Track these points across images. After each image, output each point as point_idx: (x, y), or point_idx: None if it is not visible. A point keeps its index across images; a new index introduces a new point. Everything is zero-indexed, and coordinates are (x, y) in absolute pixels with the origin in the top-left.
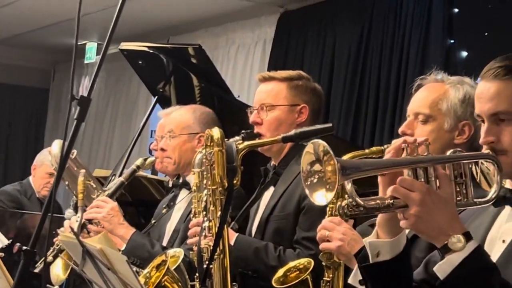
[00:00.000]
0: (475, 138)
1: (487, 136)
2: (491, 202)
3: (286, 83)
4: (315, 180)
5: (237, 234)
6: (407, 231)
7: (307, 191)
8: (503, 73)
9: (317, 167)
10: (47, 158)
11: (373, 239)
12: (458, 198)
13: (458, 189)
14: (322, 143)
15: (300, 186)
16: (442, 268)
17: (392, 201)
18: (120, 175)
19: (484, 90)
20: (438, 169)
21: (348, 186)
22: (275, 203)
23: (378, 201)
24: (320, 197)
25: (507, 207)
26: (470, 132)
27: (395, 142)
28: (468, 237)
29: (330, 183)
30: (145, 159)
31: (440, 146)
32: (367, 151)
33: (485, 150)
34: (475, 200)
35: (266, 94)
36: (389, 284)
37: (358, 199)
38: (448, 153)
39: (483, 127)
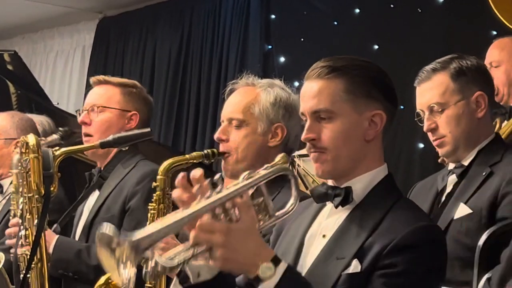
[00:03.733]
0: (289, 139)
1: (308, 133)
2: (291, 211)
3: (120, 89)
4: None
5: (57, 236)
6: None
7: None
8: (326, 72)
9: (116, 253)
10: None
11: (192, 263)
12: (259, 217)
13: (258, 210)
14: (105, 232)
15: (126, 189)
16: None
17: (196, 249)
18: None
19: (307, 89)
20: (235, 200)
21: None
22: (99, 206)
23: (182, 255)
24: (127, 274)
25: (329, 204)
26: (283, 134)
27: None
28: (276, 261)
29: (132, 261)
30: None
31: (255, 150)
32: (187, 156)
33: (308, 149)
34: (276, 214)
35: (99, 96)
36: None
37: (162, 263)
38: (242, 176)
39: (306, 125)
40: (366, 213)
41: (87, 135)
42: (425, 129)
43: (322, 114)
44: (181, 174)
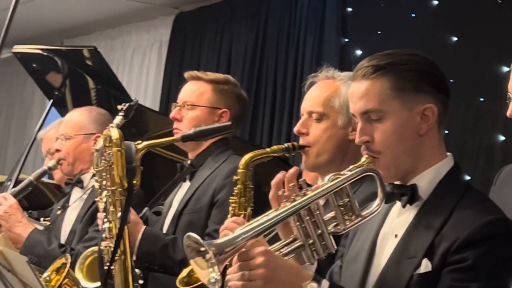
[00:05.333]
0: None
1: (361, 135)
2: (377, 211)
3: (211, 85)
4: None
5: (144, 227)
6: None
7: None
8: (370, 71)
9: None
10: None
11: None
12: (345, 217)
13: (344, 210)
14: (192, 237)
15: (215, 181)
16: None
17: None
18: (16, 180)
19: (355, 90)
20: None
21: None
22: (189, 197)
23: None
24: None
25: (398, 203)
26: None
27: (271, 196)
28: (318, 280)
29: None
30: (58, 161)
31: (335, 143)
32: (268, 150)
33: (362, 150)
34: (362, 214)
35: (190, 93)
36: None
37: None
38: (327, 178)
39: (358, 127)
40: (434, 209)
41: (178, 130)
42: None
43: (372, 114)
44: (279, 175)
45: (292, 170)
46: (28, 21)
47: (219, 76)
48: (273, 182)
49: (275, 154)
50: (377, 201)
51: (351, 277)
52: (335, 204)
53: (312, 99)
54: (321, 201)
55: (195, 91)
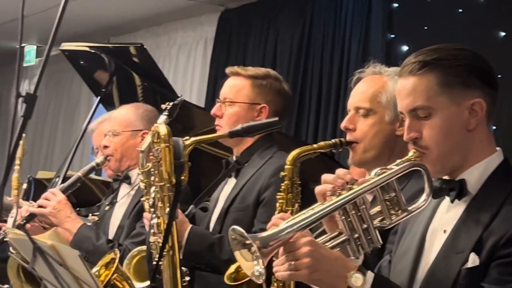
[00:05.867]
0: None
1: (409, 132)
2: (424, 207)
3: (250, 81)
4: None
5: (190, 226)
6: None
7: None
8: (417, 67)
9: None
10: None
11: None
12: (392, 212)
13: (390, 205)
14: (237, 230)
15: (261, 179)
16: None
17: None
18: (64, 177)
19: (402, 86)
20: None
21: None
22: (235, 195)
23: None
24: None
25: (447, 198)
26: None
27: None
28: (363, 271)
29: (262, 258)
30: (106, 157)
31: (383, 139)
32: (315, 145)
33: (410, 147)
34: (409, 208)
35: (229, 89)
36: None
37: None
38: (373, 172)
39: (405, 124)
40: (483, 204)
41: (219, 126)
42: None
43: (419, 111)
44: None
45: (342, 170)
46: (75, 19)
47: (259, 70)
48: (323, 177)
49: (322, 150)
50: (423, 196)
51: (400, 273)
52: (381, 198)
53: (359, 94)
54: (369, 197)
55: (234, 87)
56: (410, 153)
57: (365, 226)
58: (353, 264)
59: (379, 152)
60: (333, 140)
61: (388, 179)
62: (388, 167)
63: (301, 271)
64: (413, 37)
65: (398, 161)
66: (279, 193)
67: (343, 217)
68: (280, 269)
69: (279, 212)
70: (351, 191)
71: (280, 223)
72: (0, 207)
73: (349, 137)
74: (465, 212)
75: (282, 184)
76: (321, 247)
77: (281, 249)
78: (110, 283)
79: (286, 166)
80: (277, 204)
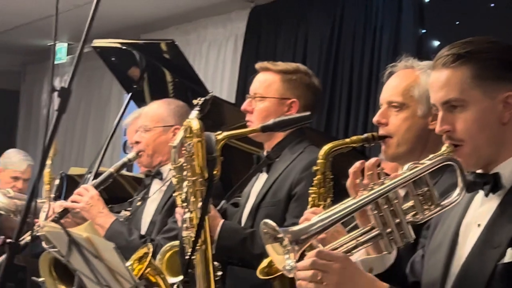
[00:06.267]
0: None
1: (442, 125)
2: (457, 201)
3: (280, 76)
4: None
5: (222, 221)
6: None
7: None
8: (451, 60)
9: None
10: (10, 162)
11: (364, 257)
12: (425, 207)
13: (423, 200)
14: (269, 224)
15: (292, 174)
16: None
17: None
18: (96, 173)
19: (435, 79)
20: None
21: None
22: (267, 190)
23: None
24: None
25: (480, 192)
26: None
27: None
28: None
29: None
30: (138, 153)
31: (415, 133)
32: (347, 140)
33: (444, 140)
34: (442, 203)
35: (259, 84)
36: None
37: None
38: (406, 167)
39: (438, 116)
40: None
41: (250, 122)
42: None
43: (453, 104)
44: (358, 163)
45: (373, 160)
46: (106, 16)
47: (289, 65)
48: (351, 170)
49: (354, 145)
50: (457, 191)
51: (433, 267)
52: (413, 193)
53: (392, 89)
54: (401, 192)
55: (264, 82)
56: (444, 148)
57: (397, 220)
58: (383, 284)
59: (412, 147)
60: (365, 135)
61: (420, 174)
62: (421, 162)
63: (326, 287)
64: (444, 32)
65: (430, 156)
66: (311, 188)
67: (375, 212)
68: (306, 276)
69: (311, 207)
70: (383, 186)
71: (312, 217)
72: (35, 204)
73: (381, 131)
74: (499, 206)
75: (315, 178)
76: (353, 267)
77: (310, 253)
78: (143, 277)
79: (319, 161)
80: (310, 199)
